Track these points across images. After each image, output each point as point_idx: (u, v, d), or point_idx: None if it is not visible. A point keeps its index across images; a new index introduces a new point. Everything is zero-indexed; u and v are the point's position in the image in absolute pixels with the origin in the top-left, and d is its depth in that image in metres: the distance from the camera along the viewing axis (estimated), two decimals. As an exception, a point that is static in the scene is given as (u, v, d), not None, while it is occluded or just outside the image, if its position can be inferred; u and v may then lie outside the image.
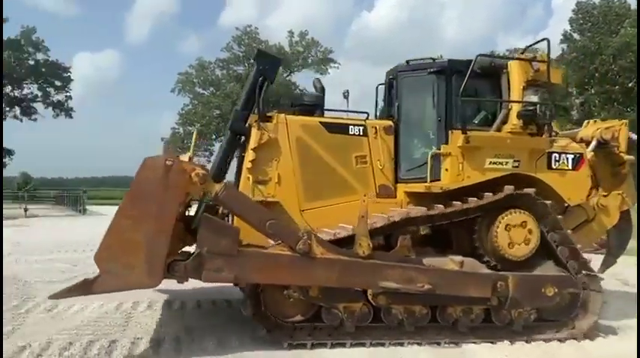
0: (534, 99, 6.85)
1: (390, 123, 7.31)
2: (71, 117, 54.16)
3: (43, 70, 52.06)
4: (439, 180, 6.69)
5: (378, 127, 7.16)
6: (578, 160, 6.97)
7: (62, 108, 55.51)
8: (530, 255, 6.64)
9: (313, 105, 7.20)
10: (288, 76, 45.09)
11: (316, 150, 6.88)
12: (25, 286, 9.09)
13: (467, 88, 7.14)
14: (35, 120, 54.76)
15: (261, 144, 6.61)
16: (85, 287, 5.08)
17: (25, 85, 54.03)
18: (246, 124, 6.75)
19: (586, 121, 8.34)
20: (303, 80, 47.87)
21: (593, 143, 7.67)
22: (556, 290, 6.57)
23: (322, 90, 7.72)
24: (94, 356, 5.41)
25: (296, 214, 6.72)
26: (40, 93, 55.24)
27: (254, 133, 6.61)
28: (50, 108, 55.13)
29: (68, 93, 55.21)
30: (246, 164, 6.60)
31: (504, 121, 7.04)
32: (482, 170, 6.64)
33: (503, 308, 6.50)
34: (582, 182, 7.01)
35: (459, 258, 6.55)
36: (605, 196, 7.84)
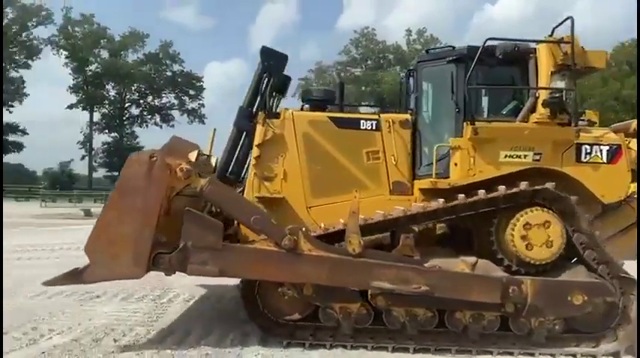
0: (560, 85, 6.16)
1: (407, 116, 6.96)
2: (204, 123, 58.27)
3: (179, 80, 57.28)
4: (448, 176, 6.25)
5: (393, 121, 6.83)
6: (614, 152, 6.14)
7: (196, 115, 60.20)
8: (554, 259, 5.98)
9: (322, 100, 7.04)
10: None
11: (324, 145, 6.72)
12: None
13: (490, 75, 6.70)
14: (173, 126, 60.90)
15: (266, 141, 6.59)
16: (75, 277, 5.38)
17: (163, 95, 59.90)
18: (252, 121, 6.77)
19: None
20: None
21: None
22: (585, 298, 5.83)
23: (341, 85, 7.56)
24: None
25: (302, 211, 6.61)
26: (176, 102, 60.31)
27: (258, 130, 6.61)
28: (185, 115, 60.66)
29: (201, 101, 59.62)
30: (252, 160, 6.62)
31: (533, 111, 6.41)
32: (497, 164, 6.09)
33: (520, 315, 5.90)
34: (619, 177, 6.15)
35: (471, 259, 6.03)
36: None
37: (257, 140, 6.60)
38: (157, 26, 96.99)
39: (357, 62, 49.70)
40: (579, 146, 6.13)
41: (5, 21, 48.00)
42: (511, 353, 5.89)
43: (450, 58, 6.70)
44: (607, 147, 6.14)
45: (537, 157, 6.08)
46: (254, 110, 6.82)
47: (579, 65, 6.66)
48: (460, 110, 6.53)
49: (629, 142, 6.77)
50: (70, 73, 55.10)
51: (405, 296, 5.76)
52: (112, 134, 60.13)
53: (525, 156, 6.08)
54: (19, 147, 54.24)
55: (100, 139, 60.17)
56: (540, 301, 5.83)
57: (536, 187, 5.83)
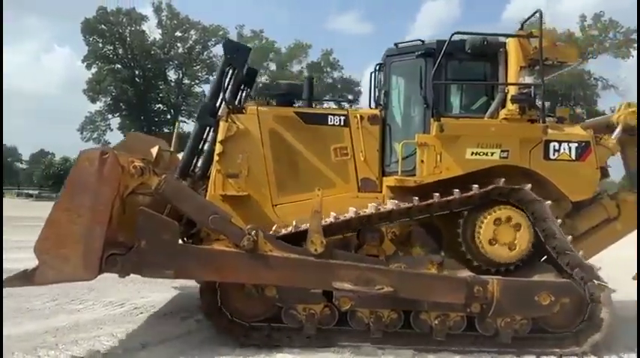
0: (529, 80, 6.03)
1: (376, 112, 6.80)
2: None
3: (339, 86, 57.45)
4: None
5: (361, 117, 6.66)
6: (583, 149, 6.02)
7: (355, 119, 61.20)
8: (521, 258, 5.88)
9: (288, 94, 6.84)
10: (580, 64, 43.57)
11: (291, 142, 6.54)
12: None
13: (460, 70, 6.57)
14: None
15: (229, 137, 6.38)
16: (24, 278, 5.14)
17: (324, 102, 60.68)
18: (216, 116, 6.56)
19: (619, 103, 7.25)
20: (601, 66, 44.75)
21: (618, 129, 6.64)
22: (553, 298, 5.73)
23: (310, 79, 7.37)
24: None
25: (268, 209, 6.43)
26: (335, 107, 62.18)
27: (221, 125, 6.41)
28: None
29: (358, 105, 60.51)
30: (215, 157, 6.42)
31: (503, 106, 6.27)
32: (463, 161, 5.95)
33: (487, 316, 5.78)
34: (588, 174, 6.04)
35: (438, 258, 5.90)
36: (632, 191, 6.82)
37: (220, 136, 6.39)
38: (320, 36, 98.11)
39: None
40: (547, 143, 6.00)
41: (189, 42, 53.28)
42: (478, 353, 5.78)
43: (419, 53, 6.54)
44: (576, 144, 6.02)
45: (505, 154, 5.95)
46: (217, 105, 6.60)
47: (551, 60, 6.55)
48: (429, 106, 6.38)
49: (600, 139, 6.67)
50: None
51: (369, 296, 5.61)
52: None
53: (492, 153, 5.94)
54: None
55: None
56: (507, 301, 5.73)
57: (488, 188, 5.73)
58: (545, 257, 6.24)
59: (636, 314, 6.59)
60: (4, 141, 63.79)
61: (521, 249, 5.81)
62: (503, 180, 5.66)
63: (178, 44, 54.03)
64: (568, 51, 6.68)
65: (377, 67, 7.40)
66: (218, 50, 53.08)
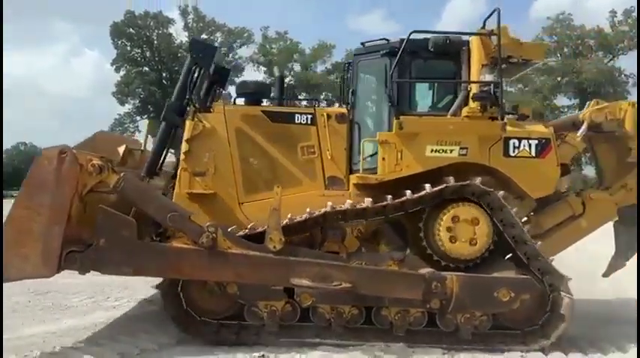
0: (489, 78, 6.07)
1: (344, 110, 6.84)
2: None
3: None
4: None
5: (329, 115, 6.70)
6: (544, 146, 6.04)
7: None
8: (482, 253, 5.92)
9: (256, 93, 6.89)
10: (610, 61, 43.18)
11: (258, 140, 6.58)
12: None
13: (425, 69, 6.62)
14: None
15: (195, 136, 6.44)
16: None
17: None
18: (183, 115, 6.62)
19: (589, 101, 7.28)
20: (632, 63, 43.78)
21: (583, 126, 6.67)
22: (512, 294, 5.77)
23: (281, 78, 7.43)
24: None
25: (234, 207, 6.48)
26: None
27: (188, 124, 6.47)
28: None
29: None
30: (181, 155, 6.48)
31: (466, 104, 6.32)
32: (423, 159, 6.00)
33: (446, 312, 5.83)
34: (548, 171, 6.06)
35: (399, 255, 5.96)
36: (598, 189, 6.86)
37: (186, 135, 6.45)
38: (344, 36, 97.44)
39: (551, 51, 44.77)
40: (507, 140, 6.03)
41: (215, 45, 50.80)
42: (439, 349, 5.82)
43: (384, 52, 6.58)
44: (536, 141, 6.05)
45: (464, 152, 5.99)
46: (184, 104, 6.66)
47: (515, 58, 6.59)
48: (393, 104, 6.42)
49: (565, 136, 6.71)
50: None
51: (330, 293, 5.67)
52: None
53: (451, 150, 5.98)
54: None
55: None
56: (466, 297, 5.77)
57: (439, 187, 5.77)
58: (511, 254, 6.28)
59: (636, 314, 6.60)
60: (36, 143, 64.23)
61: (482, 243, 5.84)
62: (452, 178, 5.70)
63: None
64: (534, 49, 6.71)
65: (346, 66, 7.44)
66: (243, 52, 54.30)
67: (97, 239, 5.35)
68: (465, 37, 6.49)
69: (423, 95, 6.81)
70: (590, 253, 7.61)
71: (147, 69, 50.92)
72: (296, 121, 6.66)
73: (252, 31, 54.28)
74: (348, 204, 5.87)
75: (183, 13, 52.14)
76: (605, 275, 7.25)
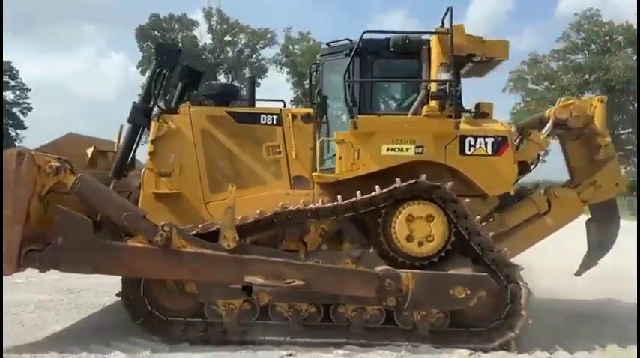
0: (445, 77, 6.08)
1: (309, 110, 6.90)
2: None
3: None
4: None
5: (294, 115, 6.76)
6: (500, 144, 6.04)
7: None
8: (438, 251, 5.94)
9: (222, 94, 6.99)
10: None
11: (223, 141, 6.67)
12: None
13: (388, 68, 6.68)
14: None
15: (160, 137, 6.53)
16: None
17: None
18: (149, 117, 6.76)
19: (559, 99, 7.25)
20: None
21: (548, 124, 6.67)
22: (468, 291, 5.77)
23: (251, 79, 7.54)
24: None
25: (200, 207, 6.58)
26: None
27: (153, 125, 6.59)
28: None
29: None
30: (147, 156, 6.61)
31: (425, 103, 6.35)
32: (379, 158, 6.04)
33: (403, 309, 5.86)
34: (505, 169, 6.05)
35: (357, 252, 6.03)
36: (563, 186, 6.84)
37: (151, 136, 6.56)
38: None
39: (578, 48, 45.61)
40: (463, 138, 6.04)
41: (239, 46, 54.90)
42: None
43: (346, 52, 6.64)
44: (492, 139, 6.05)
45: (419, 150, 6.02)
46: (150, 105, 6.79)
47: (478, 56, 6.61)
48: (355, 103, 6.48)
49: (529, 134, 6.69)
50: (290, 88, 57.22)
51: (287, 291, 5.74)
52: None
53: (407, 149, 6.02)
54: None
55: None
56: (422, 294, 5.80)
57: (387, 189, 5.79)
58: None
59: (636, 313, 6.65)
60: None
61: (438, 239, 5.86)
62: (399, 179, 5.75)
63: (228, 48, 55.29)
64: (496, 46, 6.71)
65: (313, 67, 7.52)
66: (266, 53, 54.66)
67: (56, 238, 5.51)
68: (426, 36, 6.52)
69: (387, 95, 6.85)
70: (571, 252, 7.54)
71: (172, 71, 52.63)
72: (261, 122, 6.73)
73: (275, 32, 54.82)
74: (300, 204, 5.93)
75: (207, 15, 52.85)
76: (578, 274, 7.22)
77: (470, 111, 6.46)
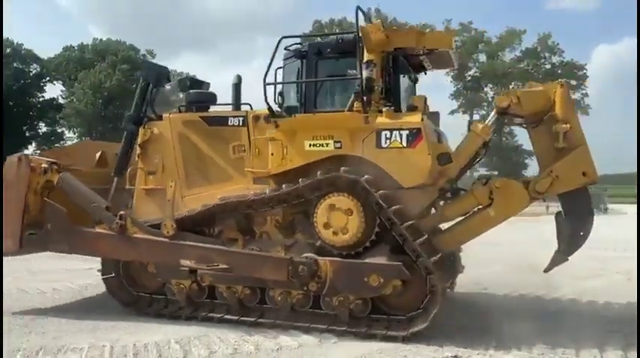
0: (365, 74, 6.30)
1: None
2: (587, 114, 54.19)
3: (559, 72, 54.77)
4: None
5: (258, 117, 7.46)
6: (414, 136, 6.06)
7: (579, 106, 52.38)
8: (357, 241, 6.19)
9: (197, 102, 7.91)
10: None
11: (196, 142, 7.61)
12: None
13: (334, 69, 7.04)
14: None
15: (145, 141, 7.68)
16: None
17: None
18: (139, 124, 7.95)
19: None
20: None
21: (492, 113, 6.50)
22: (382, 280, 5.98)
23: (236, 86, 8.35)
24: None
25: (178, 200, 7.62)
26: None
27: (140, 132, 7.79)
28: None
29: (584, 91, 56.82)
30: (136, 157, 7.82)
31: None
32: (303, 153, 6.48)
33: (322, 294, 6.26)
34: (419, 161, 6.05)
35: (290, 241, 6.64)
36: (503, 178, 6.60)
37: (139, 140, 7.77)
38: (538, 19, 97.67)
39: None
40: (379, 132, 6.19)
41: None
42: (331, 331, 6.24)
43: (297, 55, 7.15)
44: (407, 132, 6.10)
45: (338, 145, 6.33)
46: (140, 115, 7.97)
47: (418, 49, 6.70)
48: (303, 104, 6.98)
49: (470, 124, 6.58)
50: (450, 81, 58.10)
51: (222, 274, 6.50)
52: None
53: (327, 144, 6.37)
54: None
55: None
56: (338, 281, 6.15)
57: (293, 186, 6.25)
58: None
59: (636, 313, 6.54)
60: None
61: (355, 229, 6.15)
62: (307, 179, 6.21)
63: None
64: (438, 38, 6.71)
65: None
66: None
67: (45, 224, 6.96)
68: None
69: (330, 93, 7.17)
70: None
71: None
72: (229, 124, 7.54)
73: (435, 25, 54.33)
74: (233, 197, 6.63)
75: (367, 17, 54.39)
76: (546, 270, 6.79)
77: (389, 106, 6.47)
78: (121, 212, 6.85)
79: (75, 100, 45.84)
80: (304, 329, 6.29)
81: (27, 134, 48.67)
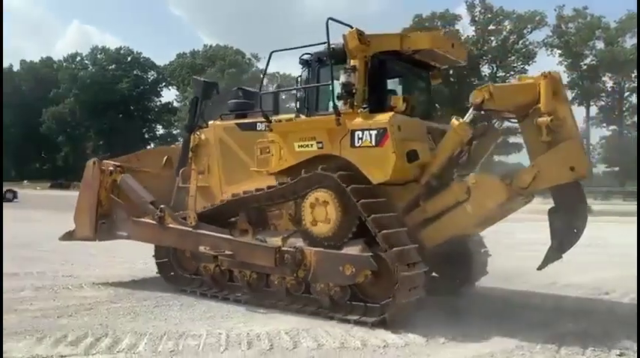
0: (342, 79, 6.83)
1: (292, 115, 8.41)
2: None
3: None
4: None
5: (280, 121, 8.37)
6: (381, 136, 6.43)
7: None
8: (335, 232, 6.76)
9: (237, 109, 9.04)
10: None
11: (232, 146, 8.81)
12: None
13: (326, 74, 7.67)
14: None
15: (195, 146, 9.07)
16: (70, 235, 9.16)
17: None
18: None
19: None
20: None
21: (470, 110, 6.60)
22: (354, 269, 6.52)
23: (276, 94, 9.32)
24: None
25: (219, 194, 8.89)
26: None
27: (192, 138, 9.20)
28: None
29: None
30: (189, 160, 9.25)
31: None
32: (294, 154, 7.23)
33: (308, 281, 6.97)
34: (385, 158, 6.39)
35: (288, 232, 7.44)
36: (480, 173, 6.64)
37: (191, 145, 9.19)
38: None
39: None
40: (354, 132, 6.67)
41: (503, 34, 54.53)
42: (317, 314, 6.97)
43: (304, 63, 7.91)
44: (375, 131, 6.49)
45: (320, 145, 6.96)
46: (193, 124, 9.38)
47: (403, 51, 7.05)
48: (307, 108, 7.74)
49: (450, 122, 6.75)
50: (564, 71, 54.25)
51: (238, 260, 7.56)
52: (611, 127, 57.89)
53: (311, 144, 7.03)
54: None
55: (597, 134, 59.27)
56: (320, 269, 6.83)
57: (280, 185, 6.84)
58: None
59: (636, 313, 6.49)
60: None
61: (333, 222, 6.72)
62: (303, 171, 6.97)
63: (492, 38, 54.09)
64: (422, 38, 6.95)
65: None
66: (534, 36, 51.24)
67: (111, 216, 8.71)
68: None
69: (328, 98, 7.73)
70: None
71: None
72: (257, 129, 8.59)
73: (545, 12, 51.32)
74: (241, 193, 7.64)
75: (470, 7, 52.57)
76: (540, 268, 6.64)
77: (365, 107, 6.81)
78: (162, 206, 8.28)
79: (188, 104, 50.34)
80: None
81: (146, 136, 54.48)
